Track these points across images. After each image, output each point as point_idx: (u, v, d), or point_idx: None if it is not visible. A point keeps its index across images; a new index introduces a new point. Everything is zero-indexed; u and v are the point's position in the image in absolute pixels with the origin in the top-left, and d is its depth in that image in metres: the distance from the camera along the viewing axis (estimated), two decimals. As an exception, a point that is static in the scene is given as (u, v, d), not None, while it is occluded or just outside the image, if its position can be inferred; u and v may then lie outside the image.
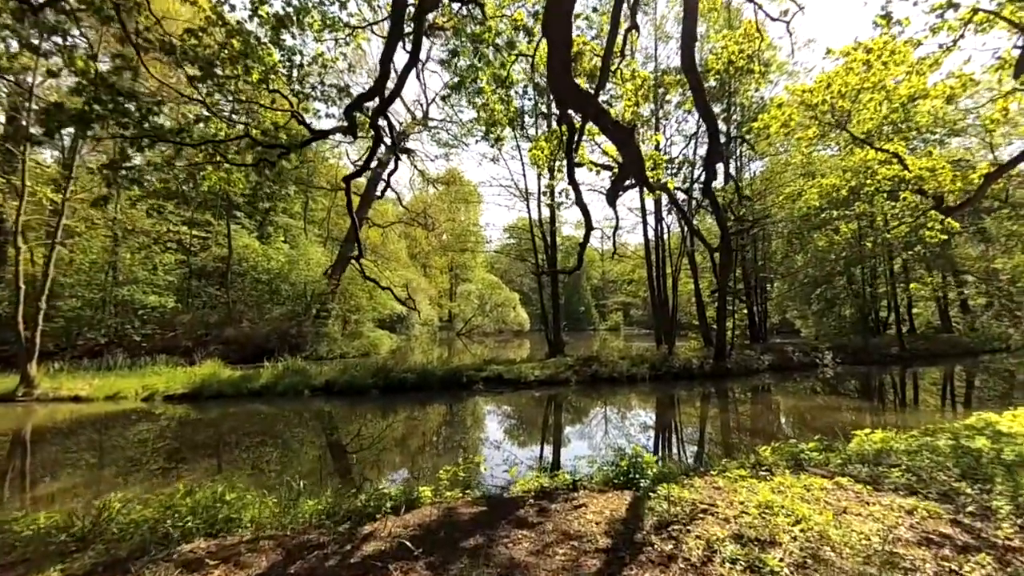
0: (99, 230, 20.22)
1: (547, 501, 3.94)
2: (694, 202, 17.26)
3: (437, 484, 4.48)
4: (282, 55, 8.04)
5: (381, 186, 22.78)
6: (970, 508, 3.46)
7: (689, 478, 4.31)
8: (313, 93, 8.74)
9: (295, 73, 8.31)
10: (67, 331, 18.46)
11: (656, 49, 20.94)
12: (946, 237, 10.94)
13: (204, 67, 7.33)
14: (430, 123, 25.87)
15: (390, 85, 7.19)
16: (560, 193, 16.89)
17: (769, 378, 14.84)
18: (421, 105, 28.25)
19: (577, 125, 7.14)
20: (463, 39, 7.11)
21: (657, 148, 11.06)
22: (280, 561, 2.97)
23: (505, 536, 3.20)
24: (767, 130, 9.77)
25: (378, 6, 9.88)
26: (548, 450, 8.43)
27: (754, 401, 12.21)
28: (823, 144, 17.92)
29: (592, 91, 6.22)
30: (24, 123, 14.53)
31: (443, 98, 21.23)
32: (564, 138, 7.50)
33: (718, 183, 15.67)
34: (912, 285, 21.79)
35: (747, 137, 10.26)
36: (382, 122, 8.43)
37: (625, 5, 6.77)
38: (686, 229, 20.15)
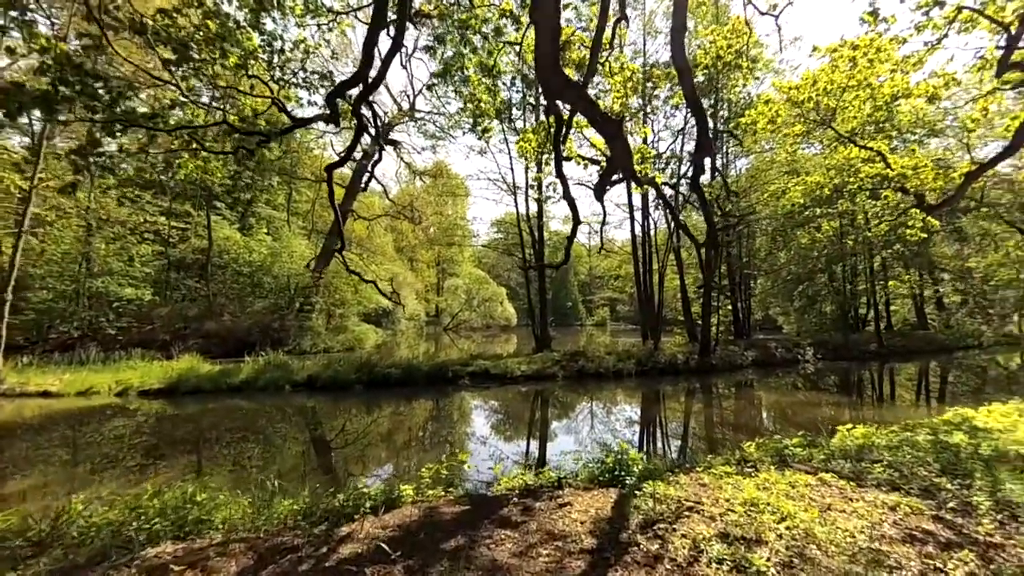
0: (72, 219, 19.52)
1: (532, 499, 3.86)
2: (681, 197, 17.29)
3: (419, 482, 4.36)
4: (262, 40, 7.76)
5: (366, 177, 22.36)
6: (951, 504, 3.47)
7: (675, 475, 4.27)
8: (294, 80, 8.47)
9: (276, 59, 8.03)
10: (38, 324, 17.82)
11: (644, 44, 20.88)
12: (926, 235, 11.12)
13: (178, 49, 7.04)
14: (417, 115, 25.51)
15: (374, 73, 6.99)
16: (548, 187, 16.78)
17: (753, 374, 15.01)
18: (408, 96, 27.85)
19: (565, 117, 7.03)
20: (449, 25, 6.93)
21: (645, 142, 11.01)
22: (250, 566, 2.83)
23: (488, 537, 3.11)
24: (754, 126, 9.79)
25: (362, -9, 9.61)
26: (534, 446, 8.37)
27: (738, 396, 12.32)
28: (807, 142, 18.13)
29: (580, 81, 6.10)
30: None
31: (429, 87, 20.93)
32: (552, 130, 7.39)
33: (705, 178, 15.72)
34: (891, 283, 22.24)
35: (735, 132, 10.24)
36: (365, 111, 8.22)
37: (615, -5, 6.66)
38: (673, 225, 20.26)
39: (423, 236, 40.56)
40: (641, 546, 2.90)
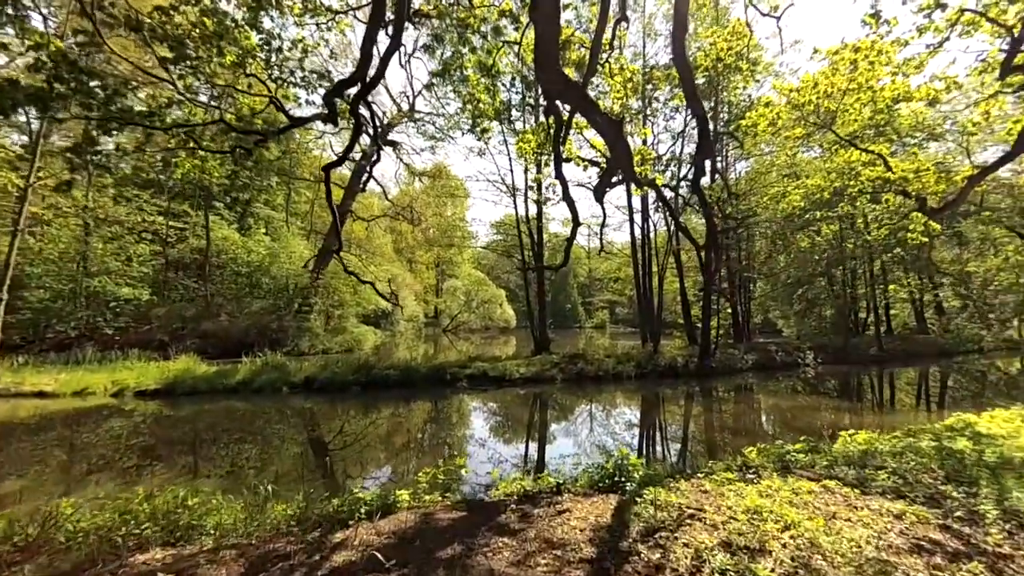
0: (69, 218, 19.43)
1: (530, 505, 3.78)
2: (681, 199, 17.25)
3: (415, 487, 4.28)
4: (260, 38, 7.71)
5: (364, 178, 22.31)
6: (958, 513, 3.40)
7: (675, 481, 4.20)
8: (292, 79, 8.41)
9: (274, 57, 7.98)
10: (35, 323, 17.72)
11: (644, 47, 20.88)
12: (927, 239, 11.08)
13: (175, 47, 6.98)
14: (416, 115, 25.47)
15: (372, 72, 6.93)
16: (547, 188, 16.73)
17: (752, 377, 14.94)
18: (407, 97, 27.82)
19: (565, 118, 6.98)
20: (448, 23, 6.87)
21: (644, 143, 10.95)
22: (240, 574, 2.75)
23: (484, 545, 3.03)
24: (755, 128, 9.75)
25: (362, -9, 9.56)
26: (532, 449, 8.29)
27: (738, 400, 12.25)
28: (807, 145, 18.11)
29: (580, 82, 6.05)
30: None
31: (428, 87, 20.90)
32: (551, 131, 7.33)
33: (705, 181, 15.66)
34: (891, 287, 22.20)
35: (736, 134, 10.21)
36: (364, 111, 8.16)
37: (616, -5, 6.61)
38: (673, 227, 20.23)
39: (422, 237, 40.52)
40: (642, 555, 2.83)
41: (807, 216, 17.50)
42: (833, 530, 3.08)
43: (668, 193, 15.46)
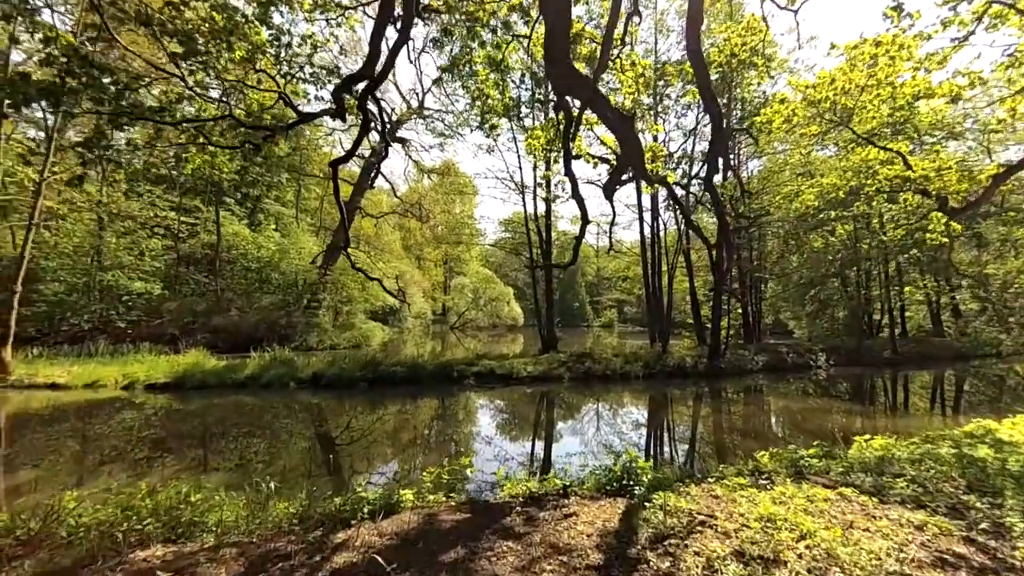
0: (84, 213, 19.70)
1: (535, 508, 3.70)
2: (692, 197, 17.02)
3: (419, 487, 4.22)
4: (270, 34, 7.69)
5: (373, 174, 22.33)
6: (983, 525, 3.26)
7: (685, 485, 4.09)
8: (301, 74, 8.38)
9: (283, 53, 7.96)
10: (49, 316, 17.99)
11: (656, 43, 20.63)
12: (947, 240, 10.78)
13: (184, 41, 6.98)
14: (425, 112, 25.43)
15: (380, 68, 6.87)
16: (556, 185, 16.60)
17: (763, 379, 14.72)
18: (417, 94, 27.81)
19: (575, 114, 6.86)
20: (457, 18, 6.78)
21: (655, 139, 10.78)
22: (240, 574, 2.70)
23: (489, 549, 2.96)
24: (769, 125, 9.53)
25: (371, -15, 9.50)
26: (539, 448, 8.21)
27: (749, 402, 12.07)
28: (822, 144, 17.77)
29: (591, 76, 5.94)
30: None
31: (436, 82, 20.83)
32: (561, 127, 7.22)
33: (717, 179, 15.40)
34: (907, 289, 21.75)
35: (750, 130, 9.99)
36: (372, 106, 8.10)
37: (629, -12, 6.48)
38: (683, 226, 19.98)
39: (430, 234, 40.53)
40: (651, 563, 2.73)
41: (821, 216, 17.16)
42: (851, 541, 2.96)
43: (679, 191, 15.24)
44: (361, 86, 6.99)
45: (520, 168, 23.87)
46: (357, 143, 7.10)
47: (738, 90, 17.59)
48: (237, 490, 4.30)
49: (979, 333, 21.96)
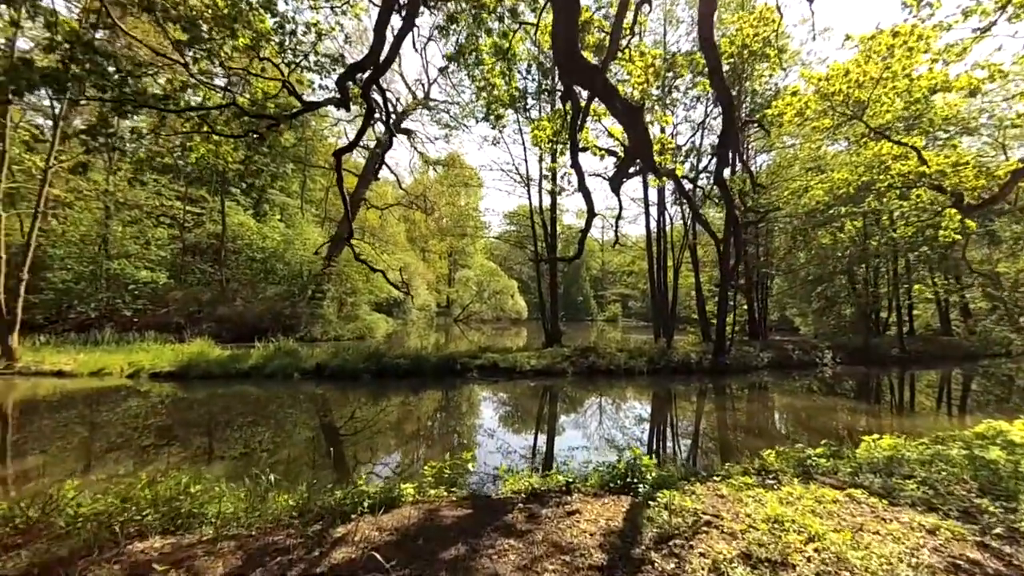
0: (90, 202, 19.76)
1: (538, 505, 3.65)
2: (700, 191, 16.82)
3: (420, 481, 4.18)
4: (275, 21, 7.60)
5: (377, 165, 22.23)
6: (997, 530, 3.17)
7: (690, 484, 4.03)
8: (306, 63, 8.28)
9: (287, 41, 7.86)
10: (57, 304, 18.13)
11: (665, 35, 20.32)
12: (960, 238, 10.57)
13: (188, 27, 6.90)
14: (431, 103, 25.25)
15: (385, 55, 6.76)
16: (562, 178, 16.45)
17: (768, 376, 14.60)
18: (423, 85, 27.58)
19: (582, 104, 6.74)
20: (463, 5, 6.65)
21: (662, 131, 10.60)
22: (238, 567, 2.67)
23: (490, 546, 2.91)
24: (781, 118, 9.35)
25: (377, -28, 9.35)
26: (541, 442, 8.17)
27: (754, 399, 11.96)
28: (832, 138, 17.46)
29: (599, 65, 5.80)
30: None
31: (442, 71, 20.64)
32: (568, 117, 7.10)
33: (726, 172, 15.18)
34: (916, 287, 21.48)
35: (762, 122, 9.79)
36: (377, 96, 8.00)
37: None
38: (690, 220, 19.79)
39: (435, 226, 40.47)
40: (656, 564, 2.67)
41: (831, 212, 16.91)
42: (861, 544, 2.89)
43: (687, 185, 15.05)
44: (366, 75, 6.90)
45: (526, 160, 23.68)
46: (361, 132, 7.01)
47: (748, 83, 17.28)
48: (239, 480, 4.28)
49: (988, 332, 21.68)
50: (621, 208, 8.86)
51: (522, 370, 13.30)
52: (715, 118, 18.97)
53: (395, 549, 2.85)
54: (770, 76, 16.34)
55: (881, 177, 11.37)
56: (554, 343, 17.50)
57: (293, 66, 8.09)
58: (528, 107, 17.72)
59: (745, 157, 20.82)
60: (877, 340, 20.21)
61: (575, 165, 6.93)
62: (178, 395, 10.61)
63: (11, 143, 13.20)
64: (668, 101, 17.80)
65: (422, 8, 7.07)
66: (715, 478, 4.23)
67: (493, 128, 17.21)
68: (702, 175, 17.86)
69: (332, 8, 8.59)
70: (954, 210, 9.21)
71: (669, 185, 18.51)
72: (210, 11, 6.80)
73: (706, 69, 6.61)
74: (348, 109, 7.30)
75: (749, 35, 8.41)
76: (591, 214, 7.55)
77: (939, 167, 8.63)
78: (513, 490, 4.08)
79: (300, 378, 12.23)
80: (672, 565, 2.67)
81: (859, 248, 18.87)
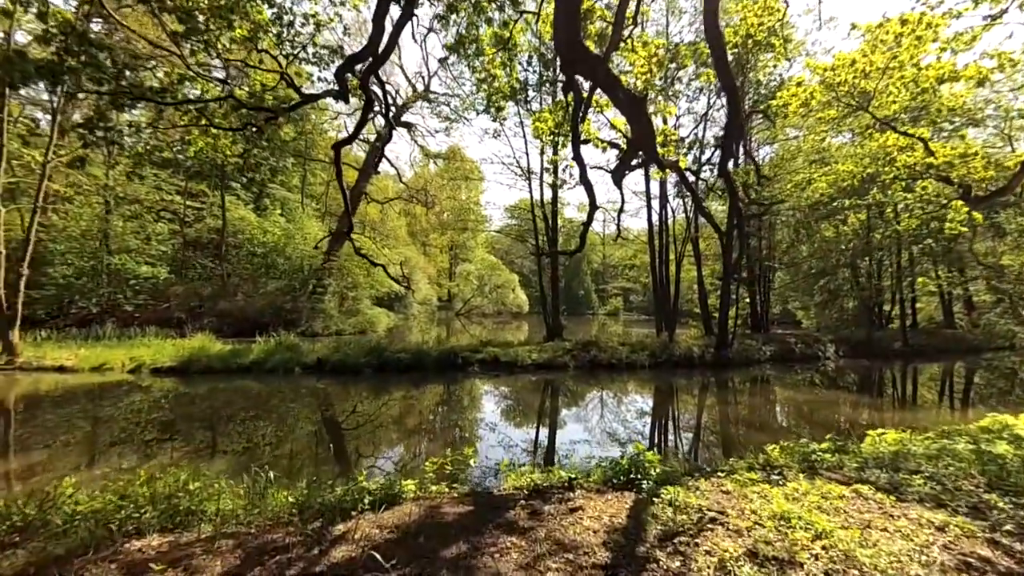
0: (91, 197, 19.70)
1: (540, 501, 3.61)
2: (703, 183, 16.67)
3: (421, 477, 4.14)
4: (272, 13, 7.48)
5: (377, 158, 22.10)
6: (1007, 526, 3.12)
7: (694, 479, 3.98)
8: (304, 54, 8.17)
9: (285, 32, 7.75)
10: (58, 299, 18.12)
11: (668, 25, 20.06)
12: (967, 230, 10.44)
13: (184, 18, 6.80)
14: (431, 96, 25.05)
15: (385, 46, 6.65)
16: (564, 170, 16.31)
17: (771, 369, 14.55)
18: (423, 78, 27.35)
19: (584, 95, 6.62)
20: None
21: (664, 122, 10.48)
22: (236, 566, 2.63)
23: (492, 544, 2.86)
24: (786, 108, 9.21)
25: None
26: (543, 435, 8.14)
27: (757, 393, 11.93)
28: (837, 130, 17.26)
29: (602, 55, 5.69)
30: None
31: (442, 62, 20.44)
32: (569, 108, 6.99)
33: (731, 163, 15.02)
34: (919, 280, 21.36)
35: (767, 112, 9.66)
36: (376, 88, 7.89)
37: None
38: (692, 214, 19.66)
39: (436, 220, 40.36)
40: (661, 563, 2.63)
41: (834, 204, 16.77)
42: (870, 542, 2.84)
43: (690, 177, 14.91)
44: (364, 66, 6.79)
45: (527, 154, 23.66)
46: (360, 124, 6.93)
47: (752, 73, 17.08)
48: (240, 475, 4.24)
49: (992, 325, 21.57)
50: (623, 201, 8.76)
51: (523, 364, 13.27)
52: (718, 109, 18.79)
53: (396, 547, 2.81)
54: (774, 67, 16.14)
55: (886, 169, 11.23)
56: (555, 337, 17.45)
57: (291, 58, 7.98)
58: (529, 99, 17.55)
59: (747, 151, 20.65)
60: (880, 333, 20.14)
61: (577, 157, 6.84)
62: (180, 390, 10.60)
63: (9, 138, 13.14)
64: (671, 93, 17.62)
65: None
66: (719, 474, 4.19)
67: (494, 120, 17.08)
68: (705, 167, 17.70)
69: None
70: (961, 202, 9.08)
71: (671, 178, 18.36)
72: (207, 1, 6.69)
73: (709, 59, 6.49)
74: (347, 101, 7.21)
75: (754, 24, 8.26)
76: (593, 207, 7.46)
77: (947, 158, 8.49)
78: (515, 486, 4.05)
79: (301, 373, 12.22)
80: (677, 563, 2.62)
81: (863, 241, 18.73)
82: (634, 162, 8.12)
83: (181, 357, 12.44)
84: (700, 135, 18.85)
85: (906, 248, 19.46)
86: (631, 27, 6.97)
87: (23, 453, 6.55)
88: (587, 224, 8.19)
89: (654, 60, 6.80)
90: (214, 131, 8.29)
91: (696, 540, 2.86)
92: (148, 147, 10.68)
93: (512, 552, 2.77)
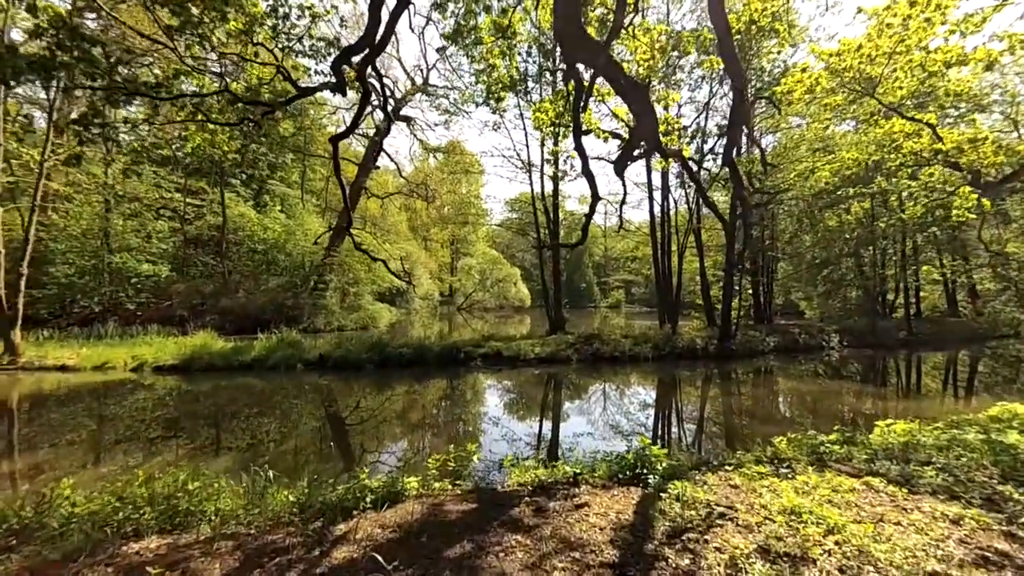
0: (91, 195, 19.64)
1: (545, 498, 3.54)
2: (706, 173, 16.51)
3: (424, 474, 4.08)
4: (267, 5, 7.36)
5: (376, 152, 21.94)
6: (1023, 519, 3.05)
7: (702, 474, 3.92)
8: (299, 46, 8.05)
9: (281, 24, 7.62)
10: (60, 298, 18.12)
11: (668, 13, 19.77)
12: (973, 217, 10.29)
13: (178, 10, 6.67)
14: (430, 89, 24.82)
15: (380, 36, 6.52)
16: (564, 162, 16.15)
17: (774, 360, 14.48)
18: (421, 71, 27.08)
19: (585, 84, 6.50)
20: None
21: (666, 109, 10.31)
22: (235, 569, 2.57)
23: (496, 543, 2.80)
24: (790, 95, 9.04)
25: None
26: (547, 430, 8.09)
27: (761, 384, 11.86)
28: (840, 117, 17.03)
29: (603, 42, 5.56)
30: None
31: (440, 51, 20.22)
32: (570, 98, 6.86)
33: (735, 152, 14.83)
34: (924, 268, 21.19)
35: (772, 98, 9.49)
36: (373, 80, 7.76)
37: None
38: (694, 204, 19.50)
39: (436, 215, 40.19)
40: (670, 561, 2.56)
41: (838, 193, 16.58)
42: (884, 536, 2.77)
43: (693, 166, 14.75)
44: (361, 58, 6.67)
45: (527, 146, 23.41)
46: (358, 117, 6.81)
47: (756, 60, 16.83)
48: (241, 474, 4.19)
49: (997, 313, 21.43)
50: (625, 192, 8.65)
51: (526, 358, 13.21)
52: (720, 98, 18.56)
53: (397, 547, 2.75)
54: (778, 53, 15.90)
55: (892, 156, 11.05)
56: (558, 330, 17.39)
57: (287, 51, 7.86)
58: (529, 90, 17.38)
59: (753, 135, 20.41)
60: (884, 323, 20.02)
61: (578, 147, 6.72)
62: (182, 388, 10.58)
63: (7, 137, 13.04)
64: (672, 81, 17.40)
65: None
66: (727, 467, 4.12)
67: (494, 112, 16.88)
68: (707, 157, 17.53)
69: (326, -11, 8.31)
70: (968, 189, 8.93)
71: (673, 168, 18.18)
72: (198, -6, 6.56)
73: (712, 47, 6.34)
74: (344, 94, 7.10)
75: (757, 9, 8.09)
76: (595, 198, 7.35)
77: (955, 143, 8.33)
78: (519, 482, 3.99)
79: (304, 369, 12.19)
80: (687, 561, 2.56)
81: (866, 230, 18.55)
82: (636, 152, 8.00)
83: (183, 355, 12.42)
84: (703, 124, 18.64)
85: (910, 236, 19.27)
86: (632, 14, 6.82)
87: (29, 452, 6.53)
88: (589, 216, 8.09)
89: (657, 47, 6.65)
90: (211, 127, 8.20)
91: (705, 536, 2.80)
92: (146, 144, 10.58)
93: (517, 551, 2.71)
